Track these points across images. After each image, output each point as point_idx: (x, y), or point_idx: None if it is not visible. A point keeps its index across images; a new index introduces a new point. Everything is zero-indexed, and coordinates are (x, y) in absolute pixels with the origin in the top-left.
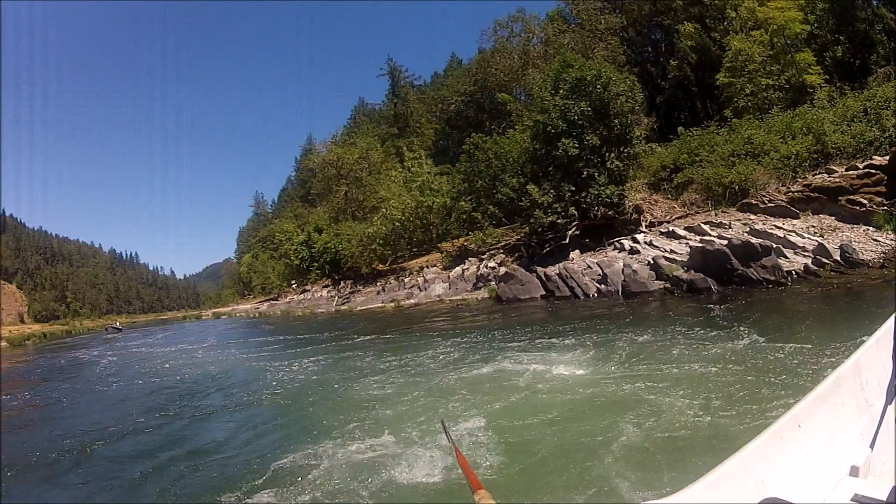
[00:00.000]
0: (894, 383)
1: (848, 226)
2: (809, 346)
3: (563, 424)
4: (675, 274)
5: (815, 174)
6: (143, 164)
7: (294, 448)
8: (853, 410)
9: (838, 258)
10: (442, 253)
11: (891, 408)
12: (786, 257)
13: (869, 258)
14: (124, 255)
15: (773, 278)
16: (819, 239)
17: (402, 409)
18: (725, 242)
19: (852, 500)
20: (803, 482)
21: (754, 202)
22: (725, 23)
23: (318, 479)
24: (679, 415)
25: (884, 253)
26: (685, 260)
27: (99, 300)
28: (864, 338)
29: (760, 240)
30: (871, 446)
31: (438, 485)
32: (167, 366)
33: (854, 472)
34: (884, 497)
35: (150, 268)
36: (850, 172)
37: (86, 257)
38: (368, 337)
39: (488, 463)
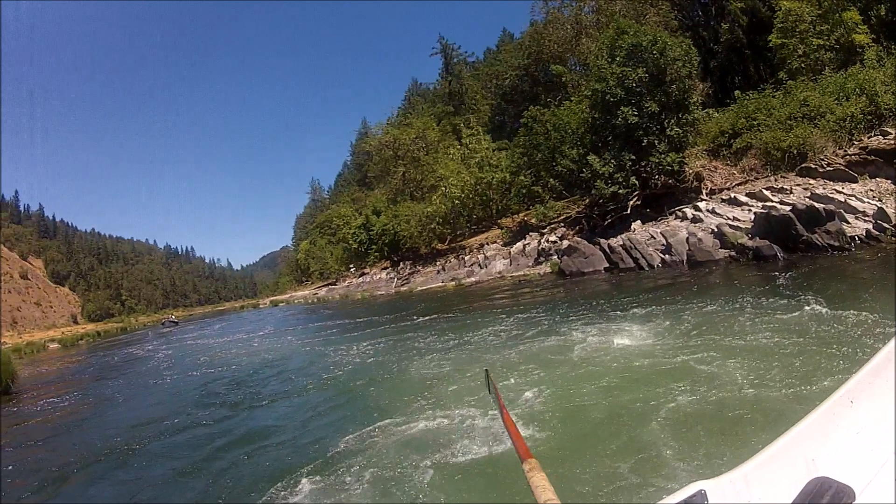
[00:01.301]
0: None
1: None
2: (874, 315)
3: (617, 393)
4: (739, 242)
5: (871, 136)
6: (197, 159)
7: (349, 430)
8: None
9: None
10: (502, 229)
11: None
12: (847, 222)
13: None
14: (180, 250)
15: (837, 244)
16: (878, 203)
17: (462, 386)
18: (789, 208)
19: None
20: (853, 461)
21: (813, 166)
22: None
23: (372, 459)
24: (734, 386)
25: None
26: (749, 227)
27: (154, 296)
28: None
29: (823, 205)
30: None
31: (492, 458)
32: (223, 356)
33: None
34: None
35: (207, 260)
36: None
37: (140, 255)
38: (428, 317)
39: (541, 430)
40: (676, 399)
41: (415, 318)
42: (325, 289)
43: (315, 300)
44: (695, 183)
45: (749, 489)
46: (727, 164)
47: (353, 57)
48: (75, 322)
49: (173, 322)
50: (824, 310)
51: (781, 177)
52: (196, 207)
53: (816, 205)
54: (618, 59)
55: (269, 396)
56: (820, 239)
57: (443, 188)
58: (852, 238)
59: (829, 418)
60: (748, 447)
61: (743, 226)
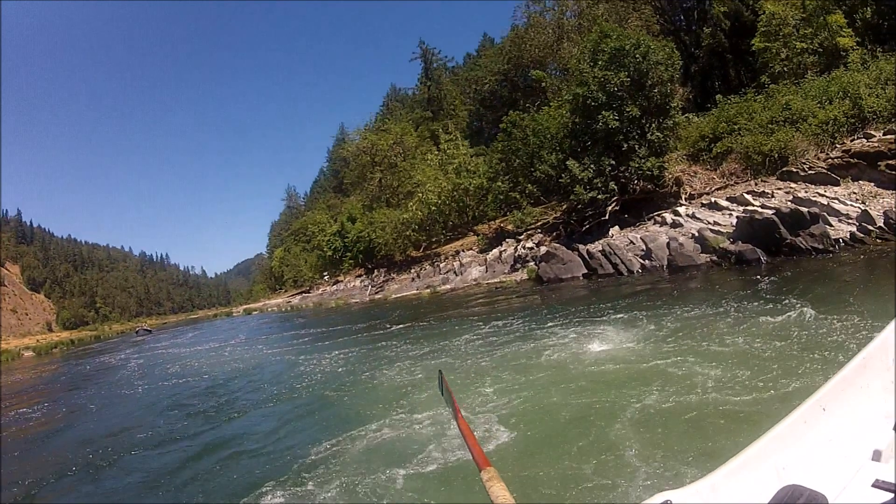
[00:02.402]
0: None
1: (888, 192)
2: (858, 318)
3: (589, 398)
4: (721, 246)
5: (853, 139)
6: (171, 166)
7: (320, 439)
8: (879, 392)
9: (882, 225)
10: (478, 236)
11: None
12: (830, 225)
13: None
14: (155, 258)
15: (821, 247)
16: (861, 206)
17: (433, 392)
18: (772, 211)
19: (873, 485)
20: (825, 468)
21: (794, 170)
22: None
23: (340, 469)
24: (707, 391)
25: None
26: (731, 231)
27: (129, 303)
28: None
29: (806, 208)
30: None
31: (461, 465)
32: (195, 365)
33: (877, 456)
34: None
35: (181, 268)
36: (889, 136)
37: (115, 262)
38: (403, 325)
39: (510, 432)
40: (647, 403)
41: (389, 326)
42: (298, 297)
43: (289, 308)
44: (674, 188)
45: (717, 498)
46: (707, 169)
47: (332, 62)
48: (50, 330)
49: (147, 330)
50: (807, 313)
51: (762, 181)
52: (171, 214)
53: (800, 208)
54: (600, 62)
55: (241, 406)
56: (804, 242)
57: (419, 194)
58: (836, 241)
59: (801, 426)
60: (715, 451)
61: (724, 230)
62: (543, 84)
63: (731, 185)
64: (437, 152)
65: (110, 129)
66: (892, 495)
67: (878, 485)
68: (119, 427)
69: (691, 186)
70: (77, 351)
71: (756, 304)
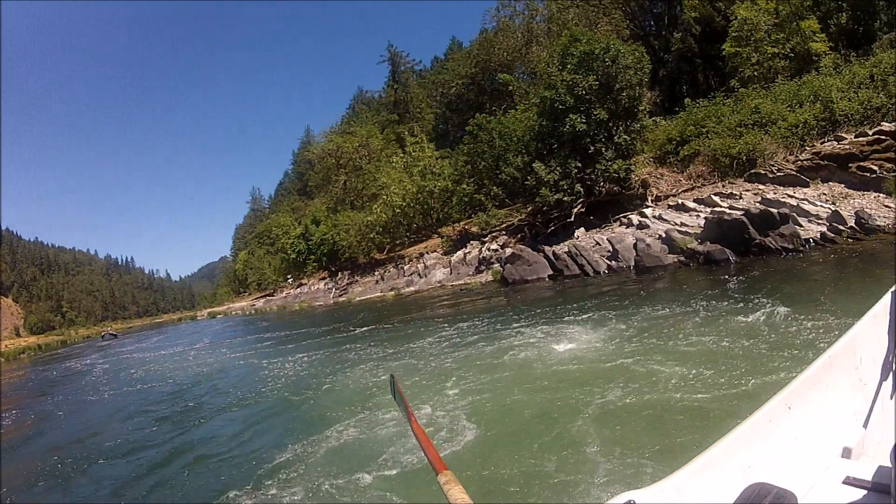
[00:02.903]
0: (891, 360)
1: (859, 193)
2: (829, 316)
3: (551, 397)
4: (689, 246)
5: (824, 142)
6: (135, 167)
7: (283, 443)
8: (847, 390)
9: (854, 225)
10: (442, 238)
11: (886, 384)
12: (800, 226)
13: (884, 224)
14: (120, 261)
15: (791, 246)
16: (832, 206)
17: (389, 398)
18: (740, 212)
19: (844, 482)
20: (793, 466)
21: (762, 172)
22: None
23: (303, 473)
24: (670, 389)
25: None
26: (698, 232)
27: (94, 307)
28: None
29: (776, 209)
30: (865, 426)
31: (425, 468)
32: (160, 370)
33: (846, 453)
34: (877, 478)
35: (146, 271)
36: (860, 139)
37: (81, 265)
38: (367, 327)
39: (472, 431)
40: (610, 401)
41: (353, 329)
42: (262, 300)
43: (253, 311)
44: (640, 190)
45: (681, 498)
46: (674, 171)
47: (299, 64)
48: (18, 335)
49: (112, 335)
50: (776, 312)
51: (730, 183)
52: (135, 216)
53: (770, 209)
54: (569, 66)
55: (206, 411)
56: (773, 242)
57: (384, 197)
58: (807, 240)
59: (766, 424)
60: (678, 447)
61: (692, 231)
62: (510, 88)
63: (698, 187)
64: (402, 155)
65: (74, 129)
66: (864, 491)
67: (850, 481)
68: (87, 433)
69: (658, 188)
70: (44, 356)
71: (724, 303)
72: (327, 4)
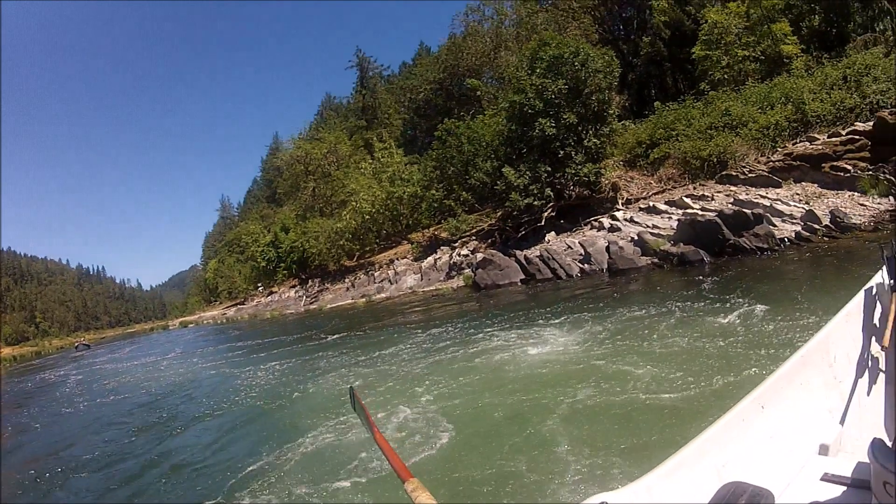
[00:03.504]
0: (866, 357)
1: (833, 192)
2: (808, 314)
3: (523, 400)
4: (662, 248)
5: (796, 143)
6: (103, 174)
7: (256, 453)
8: (821, 388)
9: (829, 223)
10: (412, 244)
11: (862, 381)
12: (774, 226)
13: (860, 222)
14: (91, 270)
15: (766, 246)
16: (806, 206)
17: (372, 400)
18: (713, 214)
19: (822, 479)
20: (769, 464)
21: (734, 173)
22: None
23: (275, 482)
24: (648, 388)
25: (873, 217)
26: (671, 234)
27: (67, 318)
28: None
29: (750, 209)
30: (842, 423)
31: (388, 473)
32: (133, 381)
33: (824, 450)
34: (856, 474)
35: (117, 281)
36: (833, 139)
37: (53, 275)
38: (339, 335)
39: (443, 435)
40: (584, 403)
41: (325, 336)
42: (233, 308)
43: (224, 320)
44: (611, 193)
45: (654, 498)
46: (644, 174)
47: (266, 70)
48: None
49: (85, 345)
50: (752, 311)
51: (700, 184)
52: (105, 224)
53: (743, 209)
54: (538, 70)
55: (180, 421)
56: (748, 242)
57: (353, 203)
58: (782, 240)
59: (739, 424)
60: (651, 446)
61: (664, 233)
62: (479, 93)
63: (669, 189)
64: (371, 161)
65: (38, 134)
66: (843, 488)
67: (828, 478)
68: (63, 445)
69: (628, 191)
70: (19, 367)
71: (699, 303)
72: (295, 8)
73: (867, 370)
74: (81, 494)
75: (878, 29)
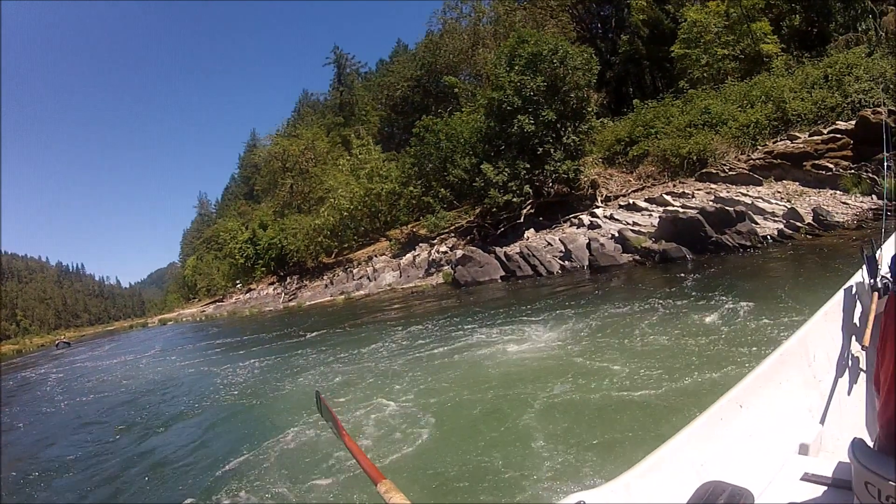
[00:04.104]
0: (846, 356)
1: (814, 190)
2: (790, 311)
3: (500, 396)
4: (643, 245)
5: (776, 141)
6: (81, 170)
7: (235, 451)
8: (800, 387)
9: (812, 221)
10: (390, 241)
11: (842, 380)
12: (756, 223)
13: (842, 220)
14: (71, 268)
15: (748, 243)
16: (787, 204)
17: (350, 397)
18: (694, 211)
19: (802, 479)
20: (748, 463)
21: (714, 171)
22: None
23: (255, 481)
24: (627, 386)
25: (856, 215)
26: (651, 231)
27: (47, 315)
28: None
29: (730, 207)
30: (822, 422)
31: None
32: (113, 379)
33: (804, 450)
34: (836, 474)
35: (97, 278)
36: (815, 138)
37: (34, 272)
38: (318, 332)
39: (421, 433)
40: (558, 399)
41: (304, 334)
42: (212, 306)
43: (203, 317)
44: (590, 190)
45: (632, 497)
46: (623, 172)
47: (244, 65)
48: None
49: (66, 343)
50: (734, 308)
51: (680, 182)
52: (84, 221)
53: (726, 207)
54: (517, 67)
55: (160, 420)
56: (731, 239)
57: (331, 200)
58: (764, 237)
59: (717, 423)
60: (621, 443)
61: (645, 230)
62: (456, 90)
63: (648, 187)
64: (348, 157)
65: (14, 131)
66: (824, 488)
67: (809, 478)
68: (44, 445)
69: (607, 189)
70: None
71: (681, 300)
72: (272, 5)
73: (847, 369)
74: (63, 495)
75: (860, 28)
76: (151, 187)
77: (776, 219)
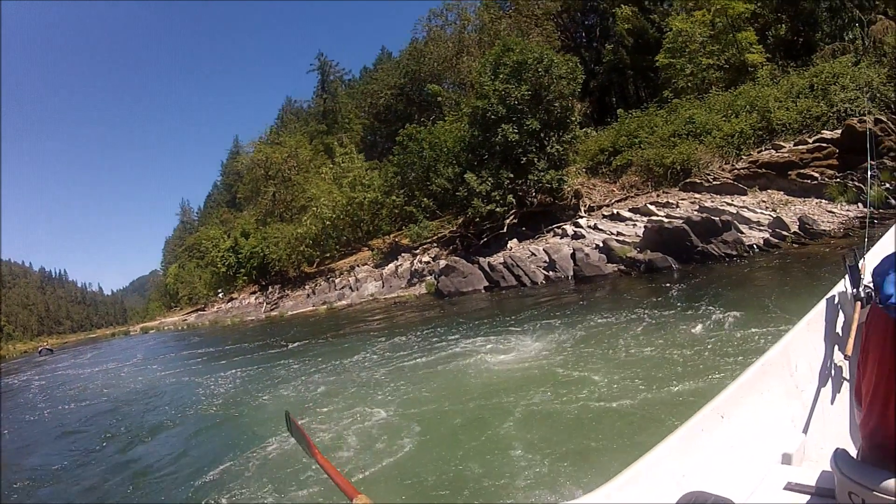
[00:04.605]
0: (829, 366)
1: (799, 199)
2: (780, 322)
3: (482, 407)
4: (629, 255)
5: (761, 151)
6: (67, 174)
7: (217, 461)
8: (782, 397)
9: (798, 230)
10: (372, 250)
11: (825, 390)
12: (741, 233)
13: (829, 228)
14: (53, 273)
15: (735, 253)
16: (773, 213)
17: (333, 407)
18: (680, 221)
19: (785, 488)
20: (730, 473)
21: (698, 181)
22: (665, 4)
23: (238, 490)
24: (611, 396)
25: (842, 223)
26: (636, 241)
27: (30, 321)
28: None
29: (716, 216)
30: (805, 432)
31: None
32: (95, 388)
33: (787, 459)
34: (820, 483)
35: (79, 285)
36: (800, 147)
37: (17, 277)
38: (301, 342)
39: (402, 444)
40: (540, 409)
41: (286, 344)
42: (194, 314)
43: (185, 326)
44: (573, 200)
45: None
46: (606, 182)
47: (227, 72)
48: None
49: (49, 350)
50: (721, 317)
51: (664, 192)
52: (68, 227)
53: (712, 217)
54: (501, 76)
55: (142, 429)
56: (717, 249)
57: (314, 208)
58: (751, 246)
59: (699, 433)
60: (603, 454)
61: (629, 240)
62: (439, 99)
63: (632, 196)
64: (331, 166)
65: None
66: (807, 496)
67: (792, 487)
68: (27, 453)
69: (590, 199)
70: None
71: (667, 310)
72: (255, 10)
73: (830, 379)
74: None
75: (847, 38)
76: (134, 193)
77: (762, 228)
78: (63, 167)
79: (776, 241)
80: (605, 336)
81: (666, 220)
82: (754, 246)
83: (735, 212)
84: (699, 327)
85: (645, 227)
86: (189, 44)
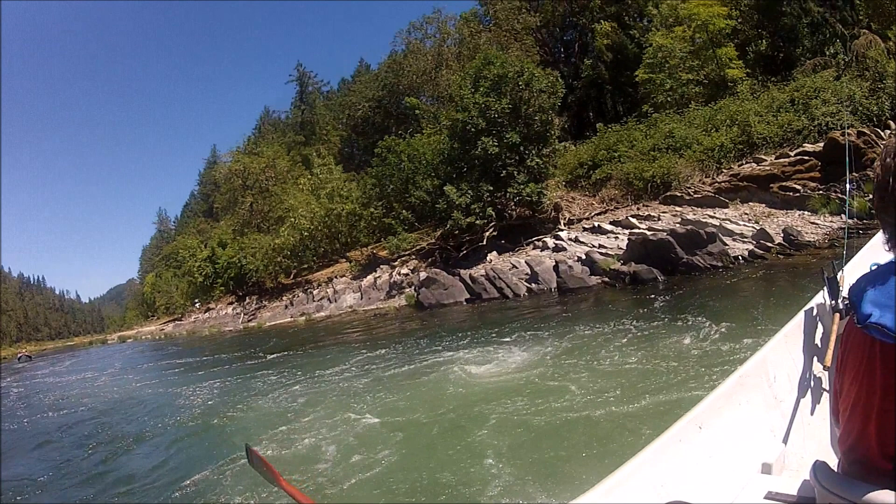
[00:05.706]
0: (808, 377)
1: (782, 212)
2: (764, 333)
3: (465, 419)
4: (612, 267)
5: (742, 164)
6: (45, 179)
7: (195, 470)
8: (761, 408)
9: (782, 241)
10: (350, 262)
11: (804, 401)
12: (725, 244)
13: (813, 239)
14: (32, 280)
15: (720, 264)
16: (756, 225)
17: (312, 418)
18: (664, 233)
19: (766, 497)
20: (708, 483)
21: (678, 194)
22: (645, 20)
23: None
24: (581, 408)
25: (826, 234)
26: (619, 253)
27: (9, 327)
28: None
29: (699, 229)
30: (785, 442)
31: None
32: (74, 396)
33: (766, 469)
34: (801, 492)
35: (57, 292)
36: (782, 160)
37: None
38: (280, 353)
39: (380, 454)
40: (516, 420)
41: (264, 356)
42: (171, 324)
43: (162, 336)
44: (553, 213)
45: None
46: (585, 195)
47: (205, 81)
48: None
49: (27, 357)
50: (705, 329)
51: (644, 205)
52: (46, 232)
53: (697, 229)
54: (482, 88)
55: (121, 440)
56: (702, 260)
57: (291, 219)
58: (736, 258)
59: (676, 443)
60: (577, 463)
61: (611, 252)
62: (417, 112)
63: (612, 210)
64: (309, 177)
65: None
66: None
67: (772, 496)
68: (5, 462)
69: (570, 212)
70: None
71: (652, 322)
72: (234, 20)
73: (809, 390)
74: None
75: (828, 53)
76: (111, 201)
77: (745, 240)
78: (39, 173)
79: (761, 252)
80: (589, 347)
81: (649, 232)
82: (740, 257)
83: (718, 224)
84: (683, 338)
85: (628, 239)
86: (167, 52)
